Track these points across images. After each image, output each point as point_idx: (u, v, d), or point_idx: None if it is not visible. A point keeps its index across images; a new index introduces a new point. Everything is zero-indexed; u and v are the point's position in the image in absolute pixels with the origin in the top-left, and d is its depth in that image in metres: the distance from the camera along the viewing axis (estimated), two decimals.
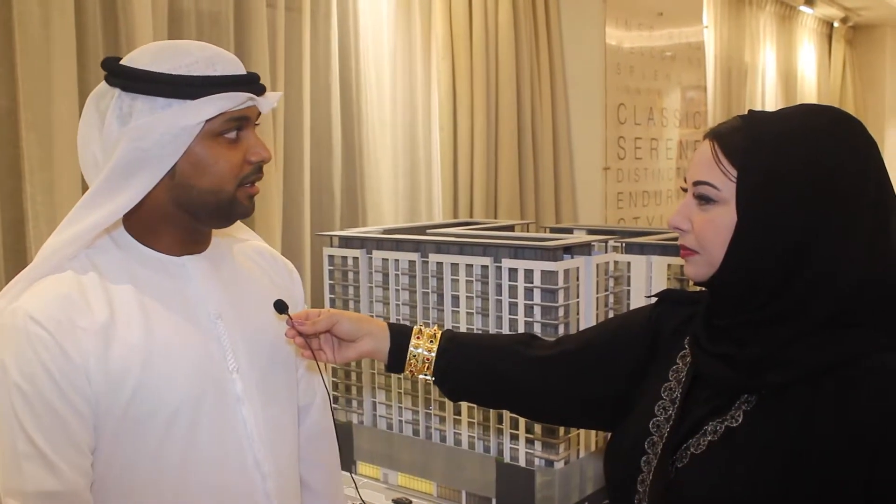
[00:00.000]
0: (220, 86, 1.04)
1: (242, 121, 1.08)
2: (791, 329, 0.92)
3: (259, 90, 1.09)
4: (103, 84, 1.08)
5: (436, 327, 1.23)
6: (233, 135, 1.07)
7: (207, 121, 1.03)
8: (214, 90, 1.03)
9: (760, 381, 0.93)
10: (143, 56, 1.06)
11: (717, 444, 0.95)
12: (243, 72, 1.08)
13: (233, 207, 1.09)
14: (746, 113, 0.99)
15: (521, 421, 1.77)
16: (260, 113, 1.11)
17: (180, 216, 1.09)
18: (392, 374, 2.01)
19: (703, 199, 0.96)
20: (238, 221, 1.19)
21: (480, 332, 1.81)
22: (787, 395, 0.92)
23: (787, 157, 0.91)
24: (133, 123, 1.03)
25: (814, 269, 0.90)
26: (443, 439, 1.92)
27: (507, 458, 1.81)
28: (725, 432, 0.95)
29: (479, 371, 1.20)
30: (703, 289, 1.04)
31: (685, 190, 1.01)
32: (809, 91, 6.96)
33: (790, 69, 6.65)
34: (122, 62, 1.06)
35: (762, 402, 0.94)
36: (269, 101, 1.11)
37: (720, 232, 0.95)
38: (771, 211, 0.91)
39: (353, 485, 1.48)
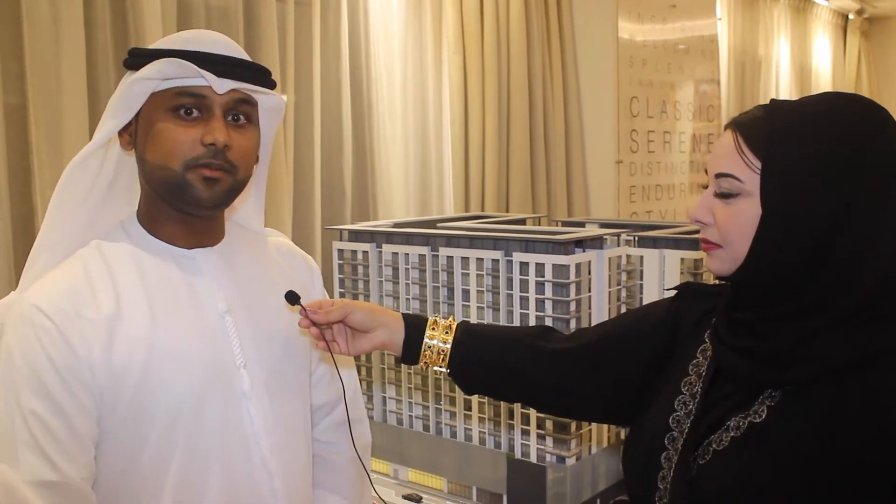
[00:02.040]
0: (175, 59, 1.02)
1: (199, 98, 1.03)
2: (815, 323, 0.89)
3: (230, 73, 1.03)
4: None
5: (451, 318, 1.21)
6: (191, 112, 1.03)
7: (157, 94, 1.03)
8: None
9: (784, 376, 0.91)
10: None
11: (740, 439, 0.93)
12: (219, 52, 1.05)
13: (184, 190, 1.04)
14: (768, 102, 0.97)
15: (533, 416, 1.76)
16: (247, 100, 1.06)
17: (159, 201, 1.08)
18: (402, 369, 2.00)
19: (726, 192, 0.94)
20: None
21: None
22: (812, 391, 0.90)
23: (811, 146, 0.89)
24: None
25: (839, 260, 0.88)
26: (453, 435, 1.91)
27: (518, 454, 1.79)
28: (748, 428, 0.93)
29: (494, 364, 1.19)
30: (724, 282, 1.02)
31: (705, 187, 0.98)
32: (824, 84, 6.88)
33: (805, 62, 6.57)
34: None
35: (786, 398, 0.92)
36: (224, 83, 1.03)
37: (744, 225, 0.92)
38: (796, 202, 0.89)
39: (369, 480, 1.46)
